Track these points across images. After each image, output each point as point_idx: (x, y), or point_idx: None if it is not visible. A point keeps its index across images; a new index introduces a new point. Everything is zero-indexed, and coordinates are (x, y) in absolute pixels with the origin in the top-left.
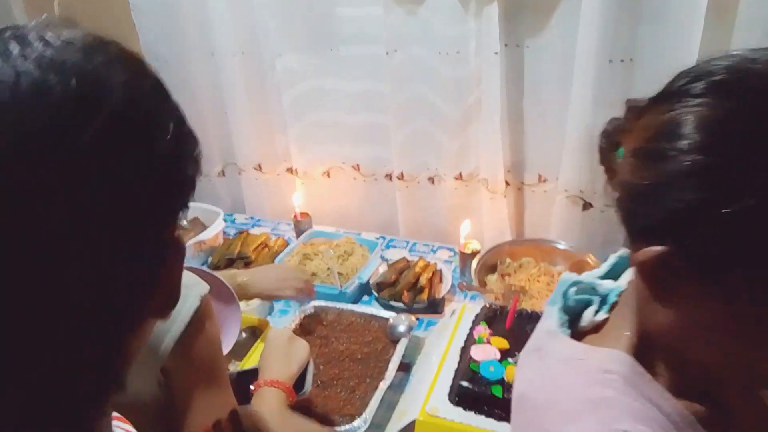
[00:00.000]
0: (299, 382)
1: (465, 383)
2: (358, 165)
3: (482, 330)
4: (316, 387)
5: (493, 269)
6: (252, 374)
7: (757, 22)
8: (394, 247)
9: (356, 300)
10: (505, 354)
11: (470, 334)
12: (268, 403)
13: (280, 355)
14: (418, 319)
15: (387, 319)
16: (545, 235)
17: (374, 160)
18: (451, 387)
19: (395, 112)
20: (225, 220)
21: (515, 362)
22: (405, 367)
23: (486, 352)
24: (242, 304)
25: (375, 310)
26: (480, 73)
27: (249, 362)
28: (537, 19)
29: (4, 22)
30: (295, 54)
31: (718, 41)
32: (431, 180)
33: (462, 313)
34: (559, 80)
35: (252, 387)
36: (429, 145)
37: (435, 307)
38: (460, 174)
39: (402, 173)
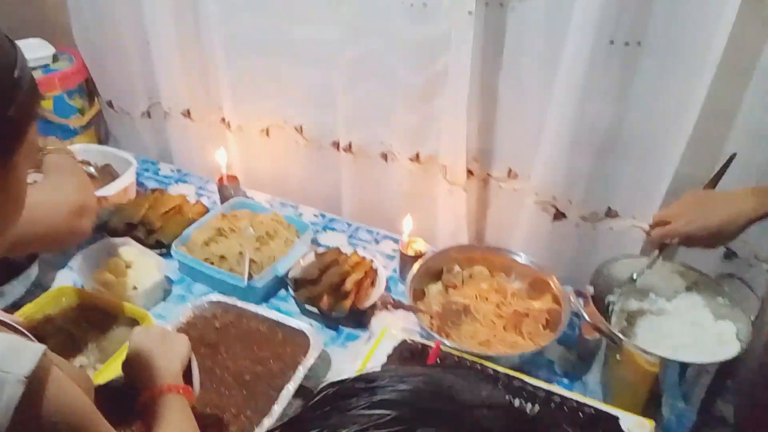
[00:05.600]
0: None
1: None
2: (301, 127)
3: None
4: None
5: (438, 276)
6: (114, 390)
7: None
8: (333, 229)
9: (267, 297)
10: None
11: None
12: (181, 414)
13: (159, 354)
14: (337, 329)
15: (298, 331)
16: (508, 243)
17: (320, 125)
18: None
19: (344, 69)
20: (147, 170)
21: None
22: (307, 393)
23: None
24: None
25: (284, 317)
26: (450, 35)
27: (107, 371)
28: None
29: None
30: None
31: (755, 22)
32: (384, 156)
33: (380, 339)
34: (546, 55)
35: (140, 399)
36: (382, 115)
37: (359, 317)
38: (417, 155)
39: (350, 144)
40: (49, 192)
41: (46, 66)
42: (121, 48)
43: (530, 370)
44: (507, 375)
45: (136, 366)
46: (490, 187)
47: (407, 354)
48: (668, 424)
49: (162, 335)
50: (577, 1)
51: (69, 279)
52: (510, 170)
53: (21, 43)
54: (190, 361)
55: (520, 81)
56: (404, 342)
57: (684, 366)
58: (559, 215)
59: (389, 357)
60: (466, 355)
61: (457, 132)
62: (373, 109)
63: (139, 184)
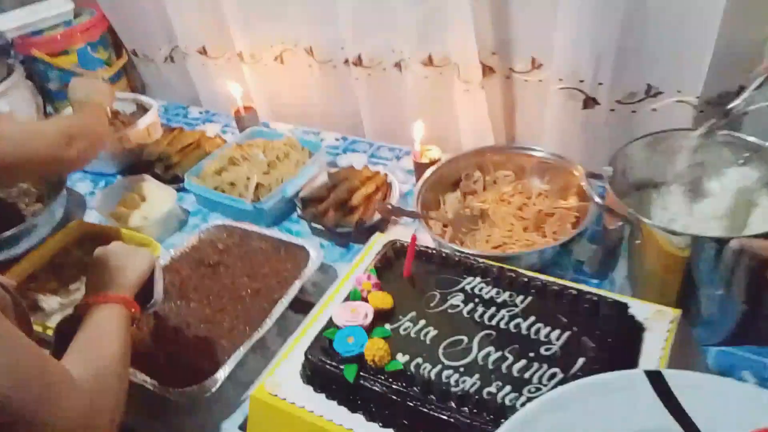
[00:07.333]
0: (145, 296)
1: (313, 356)
2: (311, 48)
3: (365, 279)
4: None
5: (457, 185)
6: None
7: None
8: (355, 151)
9: (279, 220)
10: (384, 317)
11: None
12: (105, 326)
13: (111, 267)
14: (348, 245)
15: (300, 247)
16: (540, 142)
17: (328, 42)
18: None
19: None
20: (178, 115)
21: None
22: (308, 308)
23: (354, 314)
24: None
25: (288, 236)
26: None
27: None
28: None
29: None
30: None
31: None
32: (398, 66)
33: (370, 248)
34: None
35: (77, 306)
36: (385, 17)
37: (369, 233)
38: (430, 57)
39: (360, 57)
40: (38, 121)
41: (68, 21)
42: None
43: (555, 272)
44: (500, 268)
45: (88, 277)
46: (514, 82)
47: (391, 253)
48: (709, 318)
49: (124, 250)
50: None
51: (94, 218)
52: (533, 60)
53: (44, 4)
54: (152, 274)
55: None
56: (392, 242)
57: (720, 242)
58: (590, 101)
59: (377, 255)
60: (470, 258)
61: (464, 24)
62: (374, 12)
63: (171, 129)
